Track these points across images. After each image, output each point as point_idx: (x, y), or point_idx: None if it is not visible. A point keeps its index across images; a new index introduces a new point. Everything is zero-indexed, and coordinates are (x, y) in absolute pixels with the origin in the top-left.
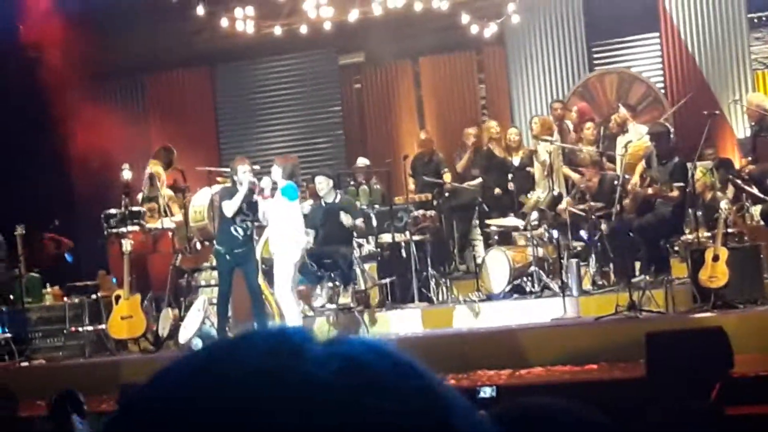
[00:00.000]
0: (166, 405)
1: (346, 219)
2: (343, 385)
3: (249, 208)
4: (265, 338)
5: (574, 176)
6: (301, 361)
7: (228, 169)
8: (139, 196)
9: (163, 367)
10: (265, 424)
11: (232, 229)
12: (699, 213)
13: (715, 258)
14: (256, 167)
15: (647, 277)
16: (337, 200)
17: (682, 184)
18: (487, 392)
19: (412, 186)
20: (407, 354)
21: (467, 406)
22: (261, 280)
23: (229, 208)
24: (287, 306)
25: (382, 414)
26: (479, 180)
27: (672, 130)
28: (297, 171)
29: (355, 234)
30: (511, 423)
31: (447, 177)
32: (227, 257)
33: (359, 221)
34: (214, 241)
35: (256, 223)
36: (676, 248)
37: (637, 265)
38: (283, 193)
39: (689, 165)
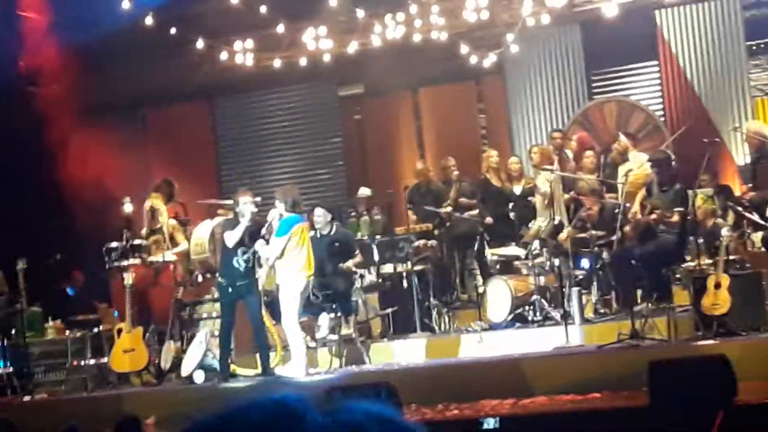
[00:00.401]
0: None
1: (347, 265)
2: None
3: (251, 240)
4: (267, 408)
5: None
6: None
7: (229, 201)
8: (144, 231)
9: None
10: None
11: (234, 261)
12: (700, 240)
13: (717, 285)
14: (258, 199)
15: (649, 305)
16: (332, 233)
17: (682, 210)
18: (490, 423)
19: (413, 216)
20: (409, 421)
21: None
22: (263, 311)
23: (231, 239)
24: (293, 337)
25: None
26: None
27: (673, 157)
28: (299, 200)
29: (354, 268)
30: None
31: (447, 207)
32: (229, 289)
33: (357, 254)
34: (217, 274)
35: (257, 255)
36: (678, 276)
37: (639, 293)
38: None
39: (690, 192)
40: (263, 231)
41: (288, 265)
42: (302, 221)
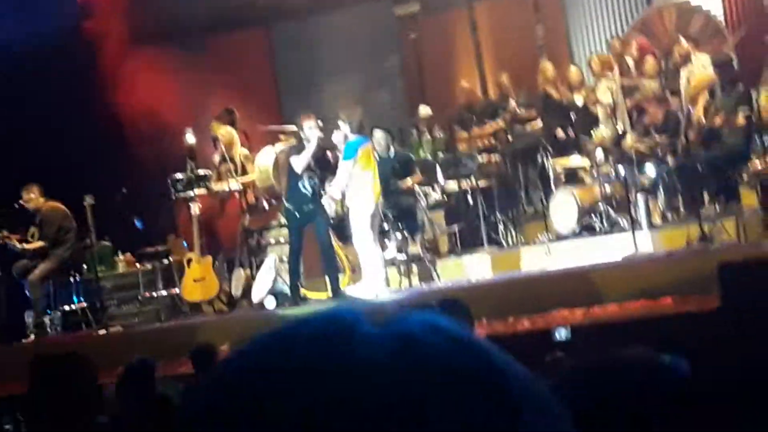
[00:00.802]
0: (225, 405)
1: (408, 183)
2: (398, 366)
3: (317, 164)
4: (317, 323)
5: None
6: (354, 343)
7: (292, 127)
8: (215, 159)
9: (223, 360)
10: (321, 410)
11: (300, 186)
12: (766, 139)
13: None
14: (320, 122)
15: (717, 208)
16: (391, 155)
17: (747, 111)
18: (562, 333)
19: (464, 134)
20: (464, 329)
21: (529, 380)
22: (331, 234)
23: (299, 164)
24: (366, 258)
25: (438, 393)
26: (540, 121)
27: (734, 58)
28: (363, 121)
29: (414, 186)
30: (578, 386)
31: (502, 121)
32: (297, 214)
33: (417, 173)
34: (283, 199)
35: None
36: (745, 177)
37: (706, 196)
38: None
39: (753, 92)
40: (328, 154)
41: (356, 187)
42: (367, 142)
